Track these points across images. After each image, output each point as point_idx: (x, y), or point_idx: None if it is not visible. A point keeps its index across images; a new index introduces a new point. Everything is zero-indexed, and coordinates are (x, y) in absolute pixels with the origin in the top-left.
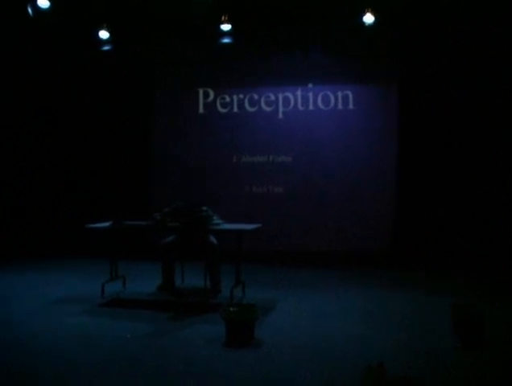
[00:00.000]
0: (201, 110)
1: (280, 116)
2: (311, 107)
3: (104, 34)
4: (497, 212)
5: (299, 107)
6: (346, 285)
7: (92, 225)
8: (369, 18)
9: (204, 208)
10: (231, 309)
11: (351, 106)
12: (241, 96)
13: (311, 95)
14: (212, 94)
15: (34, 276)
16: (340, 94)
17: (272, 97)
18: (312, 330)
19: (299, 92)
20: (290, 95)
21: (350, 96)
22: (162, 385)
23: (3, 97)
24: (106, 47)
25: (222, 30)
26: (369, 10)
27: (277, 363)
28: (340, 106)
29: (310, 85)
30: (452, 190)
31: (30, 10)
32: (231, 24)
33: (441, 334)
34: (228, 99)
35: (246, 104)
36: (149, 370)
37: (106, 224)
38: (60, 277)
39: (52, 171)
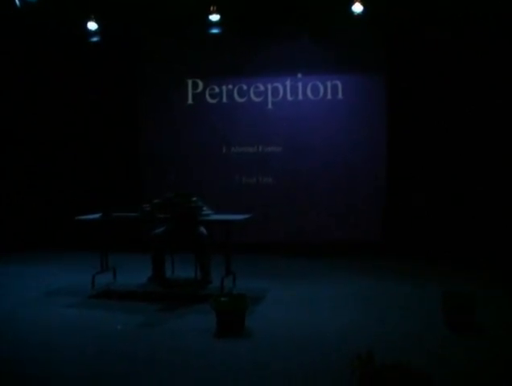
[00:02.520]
0: (190, 101)
1: (269, 106)
2: (300, 97)
3: (92, 26)
4: (488, 200)
5: (288, 97)
6: (337, 275)
7: (82, 217)
8: (357, 8)
9: (194, 199)
10: (221, 299)
11: (340, 96)
12: (230, 86)
13: (300, 85)
14: (201, 85)
15: (23, 268)
16: (329, 84)
17: (261, 88)
18: (303, 320)
19: (288, 83)
20: (279, 85)
21: (339, 85)
22: (153, 376)
23: None
24: (95, 39)
25: (211, 21)
26: None
27: (268, 353)
28: (329, 96)
29: (299, 75)
30: (442, 178)
31: (17, 2)
32: (220, 14)
33: (433, 321)
34: (217, 89)
35: (235, 95)
36: (140, 361)
37: (96, 216)
38: (50, 269)
39: (41, 163)
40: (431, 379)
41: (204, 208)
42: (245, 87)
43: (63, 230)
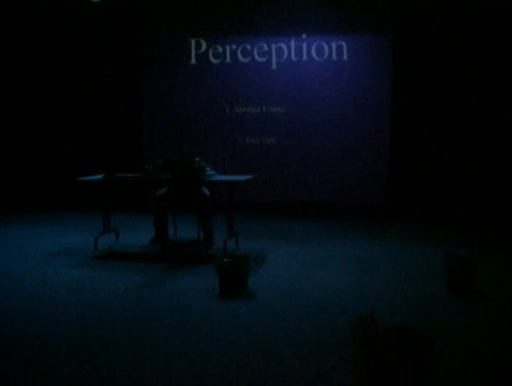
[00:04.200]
0: (193, 61)
1: (273, 66)
2: (304, 58)
3: None
4: (492, 163)
5: (293, 58)
6: (339, 237)
7: (84, 178)
8: None
9: (197, 159)
10: (224, 260)
11: (345, 57)
12: (234, 46)
13: (304, 45)
14: (204, 45)
15: (25, 229)
16: (334, 45)
17: (265, 48)
18: (305, 281)
19: (292, 43)
20: (283, 45)
21: (344, 46)
22: (156, 336)
23: None
24: None
25: None
26: None
27: (270, 313)
28: (334, 57)
29: (304, 36)
30: (446, 141)
31: None
32: None
33: (435, 283)
34: (220, 49)
35: (239, 55)
36: (142, 321)
37: (98, 177)
38: (52, 231)
39: (43, 123)
40: (432, 342)
41: (207, 169)
42: (248, 47)
43: (65, 191)
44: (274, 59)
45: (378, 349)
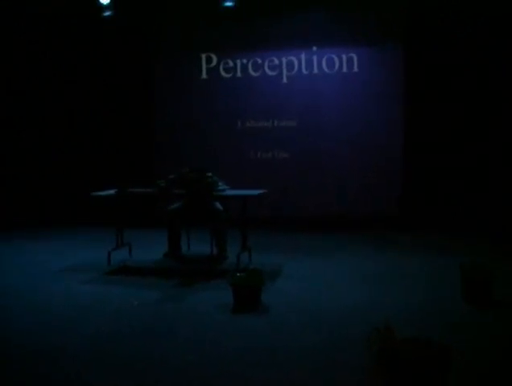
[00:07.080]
0: (204, 75)
1: (284, 80)
2: (315, 70)
3: (104, 0)
4: (508, 173)
5: (304, 71)
6: (354, 250)
7: (97, 193)
8: None
9: (209, 174)
10: (238, 274)
11: (356, 69)
12: (245, 60)
13: (315, 58)
14: (215, 59)
15: (39, 244)
16: (344, 57)
17: (276, 61)
18: (319, 295)
19: (303, 56)
20: (294, 59)
21: (355, 58)
22: (169, 352)
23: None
24: (107, 13)
25: None
26: None
27: (284, 328)
28: (344, 69)
29: (314, 48)
30: (460, 151)
31: None
32: None
33: (451, 295)
34: (231, 64)
35: (250, 69)
36: (156, 337)
37: (111, 192)
38: (66, 246)
39: (57, 139)
40: (449, 352)
41: (220, 183)
42: (259, 61)
43: (78, 206)
44: (284, 73)
45: (395, 359)
